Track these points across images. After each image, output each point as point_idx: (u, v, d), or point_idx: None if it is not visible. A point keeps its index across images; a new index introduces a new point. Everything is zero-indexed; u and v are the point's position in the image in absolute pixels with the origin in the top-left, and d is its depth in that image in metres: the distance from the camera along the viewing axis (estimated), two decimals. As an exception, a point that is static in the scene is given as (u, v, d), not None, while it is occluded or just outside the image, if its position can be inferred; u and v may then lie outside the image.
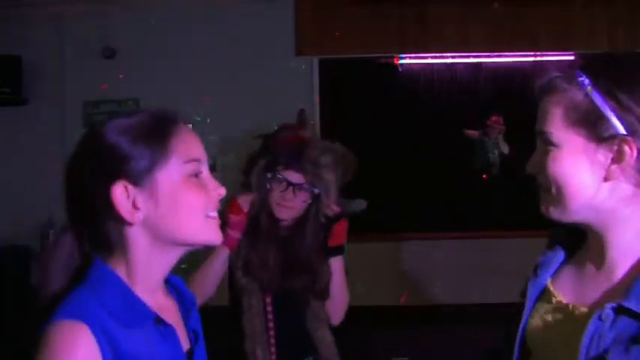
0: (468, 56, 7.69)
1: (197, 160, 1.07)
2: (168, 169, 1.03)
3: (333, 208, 2.04)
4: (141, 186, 1.01)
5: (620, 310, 1.03)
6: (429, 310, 6.07)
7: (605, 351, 1.01)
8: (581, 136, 1.09)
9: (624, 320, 1.02)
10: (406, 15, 6.91)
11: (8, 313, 6.25)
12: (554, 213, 1.19)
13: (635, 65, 1.11)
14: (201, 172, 1.08)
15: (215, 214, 1.09)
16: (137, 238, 1.03)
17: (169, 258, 1.08)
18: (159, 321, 1.06)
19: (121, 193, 1.00)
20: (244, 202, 2.05)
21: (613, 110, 1.05)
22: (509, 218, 6.83)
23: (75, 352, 0.93)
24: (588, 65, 1.13)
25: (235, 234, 2.03)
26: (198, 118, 7.14)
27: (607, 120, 1.05)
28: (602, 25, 6.83)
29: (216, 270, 2.11)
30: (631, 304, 1.01)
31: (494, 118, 7.43)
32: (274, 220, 2.06)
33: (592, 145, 1.08)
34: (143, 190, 1.01)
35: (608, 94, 1.05)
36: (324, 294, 2.03)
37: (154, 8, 7.08)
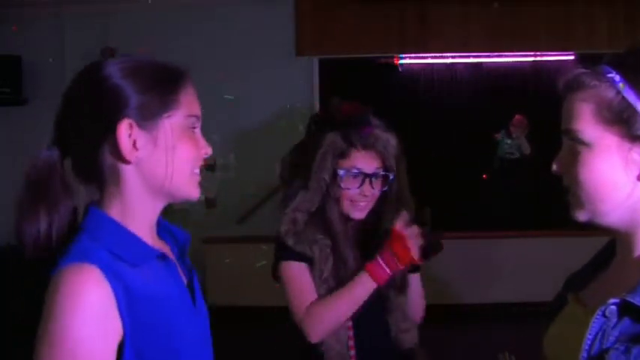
0: (468, 56, 7.69)
1: (196, 117, 1.11)
2: (174, 118, 1.05)
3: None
4: (144, 128, 1.03)
5: (625, 307, 0.98)
6: (429, 309, 6.04)
7: (607, 350, 0.97)
8: (615, 135, 1.05)
9: (629, 317, 0.98)
10: (406, 15, 6.91)
11: (8, 313, 6.26)
12: (584, 215, 1.15)
13: None
14: (196, 129, 1.12)
15: (198, 171, 1.12)
16: (130, 178, 1.04)
17: (155, 205, 1.09)
18: (162, 257, 1.08)
19: (125, 130, 1.01)
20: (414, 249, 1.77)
21: None
22: (510, 218, 6.84)
23: (89, 293, 0.93)
24: (615, 61, 1.12)
25: (389, 273, 1.76)
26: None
27: None
28: (602, 25, 6.82)
29: (358, 305, 1.77)
30: (635, 299, 0.96)
31: (518, 117, 7.39)
32: (346, 219, 1.85)
33: (626, 144, 1.04)
34: (146, 133, 1.03)
35: None
36: (403, 286, 1.88)
37: (153, 8, 7.08)
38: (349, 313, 1.76)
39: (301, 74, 7.05)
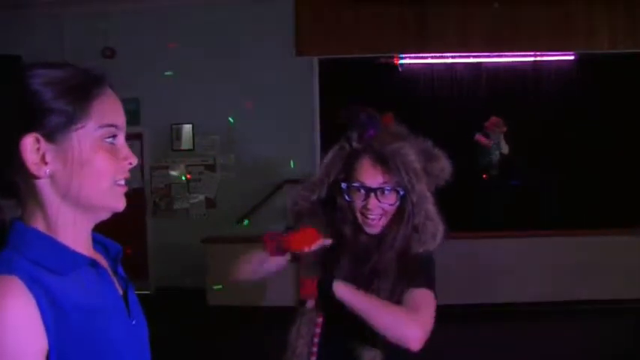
0: (468, 56, 7.69)
1: (114, 126, 1.04)
2: (83, 130, 1.00)
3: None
4: (53, 141, 0.98)
5: None
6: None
7: None
8: None
9: None
10: (406, 15, 6.91)
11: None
12: None
13: None
14: (115, 137, 1.05)
15: (123, 182, 1.07)
16: (47, 193, 1.01)
17: (82, 217, 1.05)
18: (93, 264, 1.05)
19: (31, 145, 0.97)
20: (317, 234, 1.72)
21: None
22: (508, 218, 6.84)
23: (8, 305, 0.90)
24: None
25: (279, 252, 1.76)
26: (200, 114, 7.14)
27: None
28: (602, 25, 6.82)
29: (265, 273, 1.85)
30: None
31: (492, 119, 7.34)
32: (358, 232, 1.76)
33: None
34: (55, 146, 0.99)
35: None
36: (394, 295, 1.75)
37: (153, 8, 7.08)
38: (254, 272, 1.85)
39: (301, 74, 7.05)
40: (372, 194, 1.70)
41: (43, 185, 1.00)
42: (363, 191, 1.71)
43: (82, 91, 1.02)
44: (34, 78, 1.00)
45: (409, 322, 1.65)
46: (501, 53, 7.44)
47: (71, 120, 0.99)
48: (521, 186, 7.30)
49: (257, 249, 1.80)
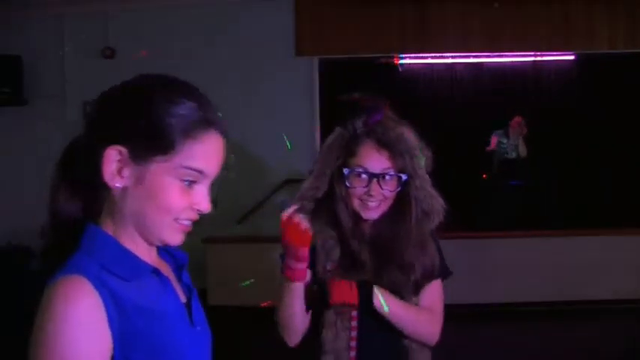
0: (468, 56, 7.69)
1: (199, 172, 1.03)
2: (165, 164, 1.00)
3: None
4: (134, 161, 0.99)
5: None
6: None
7: None
8: None
9: None
10: (406, 15, 6.91)
11: (8, 313, 6.25)
12: None
13: None
14: (195, 183, 1.03)
15: (186, 222, 1.06)
16: (118, 203, 1.02)
17: (142, 238, 1.07)
18: (156, 273, 1.07)
19: (113, 156, 0.99)
20: (307, 226, 1.60)
21: None
22: (509, 218, 6.83)
23: (77, 303, 0.93)
24: None
25: (303, 265, 1.62)
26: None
27: None
28: (602, 25, 6.82)
29: (297, 307, 1.68)
30: None
31: (517, 119, 7.32)
32: (358, 219, 1.72)
33: None
34: (135, 166, 1.00)
35: None
36: (421, 285, 1.73)
37: (153, 8, 7.08)
38: (291, 311, 1.70)
39: (301, 74, 7.05)
40: (375, 180, 1.68)
41: (117, 194, 1.02)
42: (365, 176, 1.69)
43: (184, 128, 1.01)
44: (148, 91, 1.02)
45: (431, 323, 1.74)
46: (501, 53, 7.44)
47: (158, 150, 0.99)
48: (521, 186, 7.30)
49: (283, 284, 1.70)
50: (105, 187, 1.02)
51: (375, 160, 1.69)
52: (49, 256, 1.06)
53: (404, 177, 1.70)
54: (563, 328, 5.39)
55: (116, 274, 1.00)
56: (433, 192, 1.75)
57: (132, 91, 1.03)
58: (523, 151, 7.32)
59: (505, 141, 7.36)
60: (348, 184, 1.70)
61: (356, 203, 1.71)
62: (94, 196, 1.05)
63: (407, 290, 1.73)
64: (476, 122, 7.43)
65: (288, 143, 6.23)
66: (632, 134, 7.56)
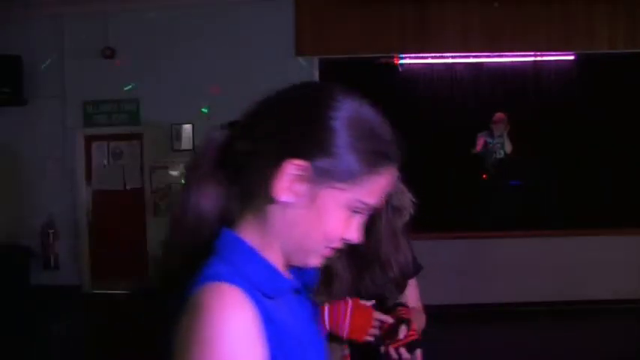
0: (468, 56, 7.69)
1: (368, 206, 0.98)
2: (342, 193, 0.95)
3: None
4: (311, 180, 0.93)
5: None
6: (430, 309, 6.04)
7: None
8: None
9: None
10: (406, 15, 6.91)
11: (8, 313, 6.26)
12: None
13: None
14: (358, 214, 0.99)
15: (333, 250, 1.01)
16: (270, 213, 0.95)
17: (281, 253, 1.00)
18: (297, 291, 1.01)
19: (293, 169, 0.92)
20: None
21: None
22: (509, 218, 6.83)
23: (236, 314, 0.85)
24: None
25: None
26: (205, 110, 7.14)
27: None
28: (602, 25, 6.82)
29: None
30: None
31: (499, 115, 7.26)
32: None
33: None
34: (310, 185, 0.93)
35: None
36: (401, 283, 1.75)
37: (153, 9, 7.08)
38: None
39: (301, 74, 7.04)
40: None
41: (274, 208, 0.95)
42: None
43: (373, 161, 0.95)
44: (342, 112, 0.94)
45: (423, 322, 1.84)
46: (501, 53, 7.44)
47: (341, 178, 0.94)
48: (521, 186, 7.30)
49: None
50: (263, 197, 0.94)
51: None
52: (172, 254, 0.98)
53: None
54: (563, 328, 5.38)
55: (262, 290, 0.92)
56: (402, 187, 1.75)
57: (324, 110, 0.95)
58: (508, 147, 7.28)
59: (491, 140, 7.33)
60: None
61: None
62: (241, 202, 0.98)
63: (388, 288, 1.73)
64: (476, 122, 7.41)
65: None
66: (632, 134, 7.56)
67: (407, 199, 1.74)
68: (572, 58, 7.75)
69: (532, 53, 7.56)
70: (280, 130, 0.95)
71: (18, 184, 7.21)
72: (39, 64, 7.16)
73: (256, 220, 0.96)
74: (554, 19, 6.83)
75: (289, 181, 0.92)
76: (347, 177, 0.93)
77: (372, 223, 1.69)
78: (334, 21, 6.86)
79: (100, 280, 7.38)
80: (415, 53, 7.46)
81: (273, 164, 0.93)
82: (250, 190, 0.96)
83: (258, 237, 0.96)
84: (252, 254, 0.95)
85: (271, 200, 0.94)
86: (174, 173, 7.26)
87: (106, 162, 7.52)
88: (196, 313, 0.85)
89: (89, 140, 7.47)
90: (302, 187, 0.93)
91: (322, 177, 0.93)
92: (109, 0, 7.01)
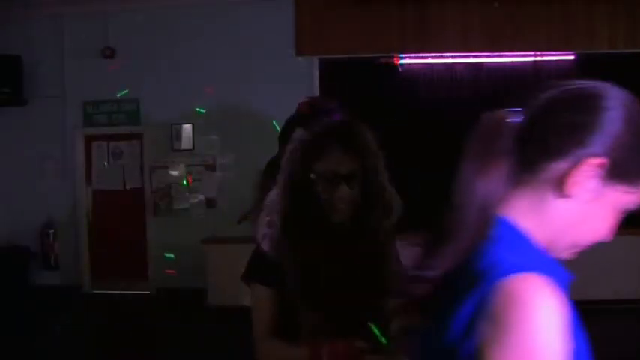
0: (468, 56, 7.68)
1: (629, 210, 1.00)
2: (623, 195, 0.97)
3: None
4: (604, 179, 0.94)
5: None
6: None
7: None
8: None
9: None
10: (406, 15, 6.91)
11: (8, 313, 6.26)
12: None
13: None
14: (620, 215, 1.01)
15: (579, 249, 1.02)
16: (557, 209, 0.96)
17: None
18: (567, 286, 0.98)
19: (592, 167, 0.93)
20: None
21: None
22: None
23: (557, 306, 0.84)
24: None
25: None
26: (203, 110, 7.14)
27: None
28: (602, 25, 6.82)
29: None
30: None
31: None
32: (322, 222, 1.67)
33: None
34: (602, 185, 0.94)
35: None
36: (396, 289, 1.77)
37: (153, 8, 7.08)
38: None
39: (301, 74, 7.05)
40: (344, 182, 1.65)
41: (558, 202, 0.96)
42: (335, 180, 1.65)
43: None
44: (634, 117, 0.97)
45: None
46: (501, 53, 7.43)
47: (628, 180, 0.96)
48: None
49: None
50: (549, 189, 0.95)
51: (341, 161, 1.66)
52: (438, 238, 1.00)
53: (372, 176, 1.69)
54: (563, 328, 5.38)
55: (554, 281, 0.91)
56: (392, 190, 1.75)
57: (626, 114, 0.98)
58: None
59: None
60: (318, 189, 1.66)
61: (326, 208, 1.66)
62: (515, 190, 0.97)
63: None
64: (476, 122, 7.42)
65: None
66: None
67: (396, 201, 1.74)
68: (572, 58, 7.75)
69: (532, 53, 7.56)
70: (582, 126, 0.96)
71: (18, 184, 7.21)
72: (39, 64, 7.16)
73: (532, 209, 0.97)
74: (554, 19, 6.83)
75: (585, 177, 0.93)
76: (633, 179, 0.96)
77: (366, 223, 1.70)
78: (334, 21, 6.86)
79: (100, 280, 7.38)
80: (415, 53, 7.45)
81: (567, 159, 0.94)
82: (532, 180, 0.96)
83: (533, 226, 0.96)
84: (536, 246, 0.96)
85: (558, 193, 0.94)
86: (174, 173, 7.26)
87: (106, 162, 7.52)
88: (517, 304, 0.84)
89: (89, 140, 7.47)
90: (592, 184, 0.94)
91: (615, 178, 0.94)
92: (109, 0, 7.01)
